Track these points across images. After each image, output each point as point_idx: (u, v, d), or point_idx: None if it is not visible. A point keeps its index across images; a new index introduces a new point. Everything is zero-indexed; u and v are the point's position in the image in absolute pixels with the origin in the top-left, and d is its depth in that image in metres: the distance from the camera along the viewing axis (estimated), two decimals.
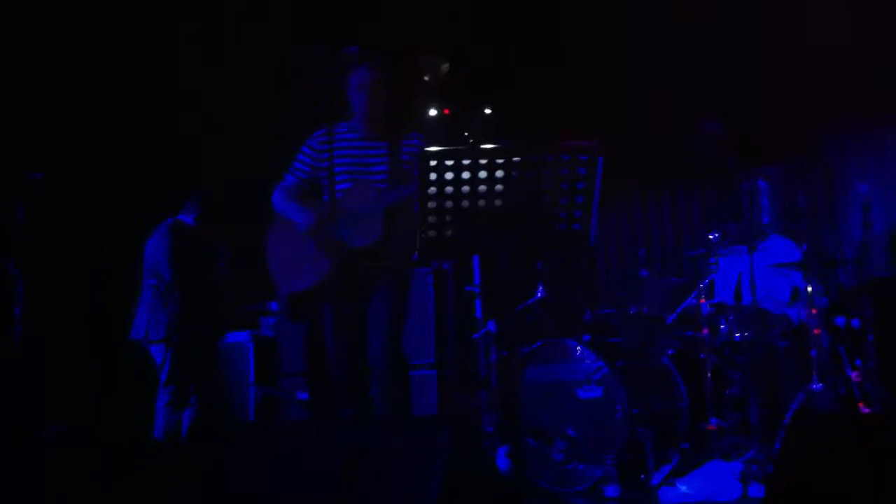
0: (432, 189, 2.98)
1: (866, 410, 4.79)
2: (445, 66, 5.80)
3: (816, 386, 4.81)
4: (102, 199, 6.93)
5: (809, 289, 4.98)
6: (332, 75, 4.14)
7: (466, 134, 4.45)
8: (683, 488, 4.60)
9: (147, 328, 5.71)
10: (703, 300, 5.08)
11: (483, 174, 2.96)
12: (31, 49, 6.60)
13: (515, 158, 2.97)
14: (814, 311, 4.92)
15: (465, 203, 2.98)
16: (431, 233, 3.04)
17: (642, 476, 4.91)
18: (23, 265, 4.87)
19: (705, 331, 5.02)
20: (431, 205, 3.00)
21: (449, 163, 2.95)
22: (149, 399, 5.72)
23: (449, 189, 2.97)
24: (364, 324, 4.16)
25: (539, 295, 5.92)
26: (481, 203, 2.99)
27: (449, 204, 2.99)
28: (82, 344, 7.14)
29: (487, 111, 3.50)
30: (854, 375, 4.95)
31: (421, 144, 4.21)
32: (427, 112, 4.51)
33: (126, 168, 6.97)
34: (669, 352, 5.45)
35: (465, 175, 2.96)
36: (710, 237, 5.26)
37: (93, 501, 3.00)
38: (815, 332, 4.88)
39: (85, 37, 6.59)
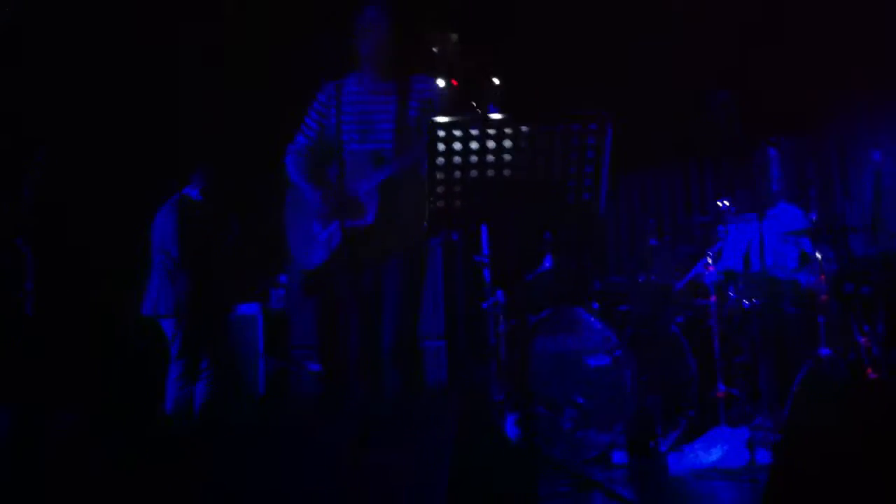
0: (440, 160, 2.97)
1: (874, 376, 4.80)
2: (454, 38, 5.76)
3: (825, 352, 4.82)
4: (110, 174, 6.94)
5: (818, 256, 4.98)
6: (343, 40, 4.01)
7: (475, 104, 4.38)
8: (691, 455, 4.63)
9: (157, 303, 5.73)
10: (711, 268, 5.09)
11: (492, 144, 2.96)
12: (31, 29, 6.58)
13: (524, 128, 2.96)
14: (822, 278, 4.92)
15: (474, 173, 2.98)
16: (440, 203, 3.03)
17: (651, 443, 4.95)
18: (32, 242, 4.89)
19: (713, 298, 5.03)
20: (440, 175, 2.99)
21: (457, 133, 2.95)
22: (160, 373, 5.75)
23: (457, 159, 2.96)
24: (378, 303, 4.04)
25: (548, 264, 5.93)
26: (490, 173, 2.98)
27: (457, 174, 2.98)
28: (94, 319, 7.18)
29: (496, 82, 3.46)
30: (863, 341, 4.96)
31: (430, 89, 4.04)
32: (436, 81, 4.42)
33: (132, 142, 6.97)
34: (678, 319, 5.46)
35: (474, 145, 2.96)
36: (719, 204, 5.26)
37: (105, 478, 3.03)
38: (824, 298, 4.88)
39: (85, 12, 6.57)
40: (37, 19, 6.44)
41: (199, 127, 7.09)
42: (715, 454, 4.55)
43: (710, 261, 5.12)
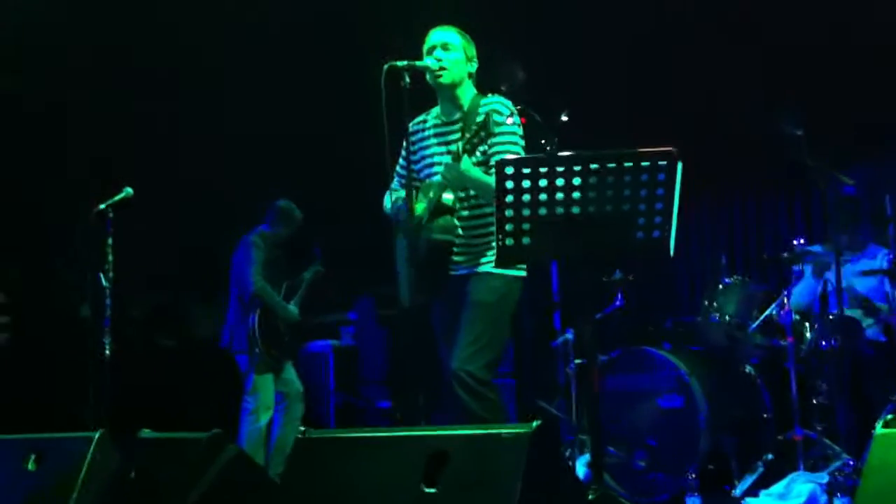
0: (509, 197, 2.97)
1: None
2: (522, 76, 5.79)
3: None
4: (191, 210, 7.10)
5: None
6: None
7: (543, 142, 4.34)
8: (768, 500, 4.52)
9: (232, 337, 5.83)
10: (787, 308, 4.98)
11: (560, 182, 2.95)
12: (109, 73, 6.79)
13: (593, 165, 2.95)
14: None
15: (543, 211, 2.98)
16: (509, 241, 3.03)
17: (726, 486, 4.84)
18: (113, 277, 5.00)
19: (790, 339, 4.92)
20: (508, 213, 2.99)
21: (526, 171, 2.95)
22: (233, 407, 5.83)
23: (526, 197, 2.97)
24: (451, 334, 3.86)
25: (618, 303, 5.88)
26: (559, 210, 2.98)
27: (526, 212, 2.98)
28: (172, 352, 7.34)
29: (565, 118, 3.42)
30: None
31: (497, 113, 3.79)
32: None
33: (212, 177, 7.12)
34: (753, 360, 5.36)
35: (543, 183, 2.96)
36: (795, 243, 5.16)
37: None
38: None
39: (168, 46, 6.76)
40: None
41: (280, 163, 7.23)
42: (793, 500, 4.43)
43: (785, 301, 5.02)
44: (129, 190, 5.15)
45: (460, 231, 3.87)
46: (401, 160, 4.12)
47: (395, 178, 4.15)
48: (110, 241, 5.00)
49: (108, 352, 4.93)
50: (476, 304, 3.83)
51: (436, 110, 4.09)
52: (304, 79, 7.01)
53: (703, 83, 6.72)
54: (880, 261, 5.34)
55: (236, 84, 6.97)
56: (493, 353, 3.84)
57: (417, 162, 4.05)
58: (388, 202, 4.10)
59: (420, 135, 4.07)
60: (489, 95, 3.96)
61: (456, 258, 3.89)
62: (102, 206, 5.06)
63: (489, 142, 3.77)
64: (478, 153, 3.79)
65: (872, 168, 6.17)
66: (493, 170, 3.68)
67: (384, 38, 4.40)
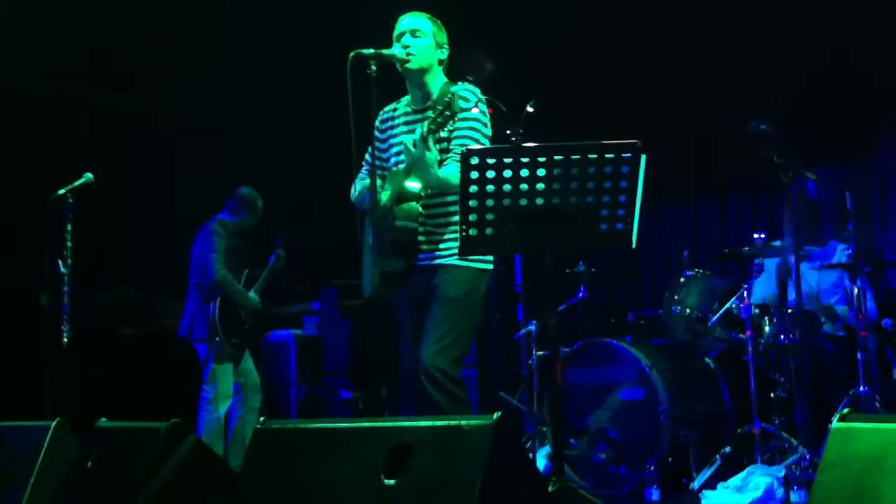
0: (473, 188, 2.96)
1: None
2: (489, 67, 5.78)
3: (863, 390, 4.74)
4: (150, 198, 7.03)
5: (856, 291, 4.90)
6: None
7: (509, 132, 4.31)
8: (726, 493, 4.55)
9: (191, 326, 5.78)
10: (747, 302, 5.02)
11: (525, 173, 2.94)
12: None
13: (558, 157, 2.94)
14: (860, 315, 4.84)
15: (507, 202, 2.97)
16: (472, 231, 3.02)
17: (685, 479, 4.87)
18: (71, 265, 4.94)
19: (749, 333, 4.96)
20: (472, 203, 2.98)
21: (491, 161, 2.94)
22: (191, 396, 5.78)
23: (490, 187, 2.96)
24: (419, 323, 3.79)
25: (581, 295, 5.90)
26: (523, 202, 2.97)
27: (490, 202, 2.97)
28: (131, 341, 7.26)
29: (530, 109, 3.41)
30: None
31: (463, 99, 3.69)
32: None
33: (172, 166, 7.06)
34: (713, 354, 5.40)
35: (507, 174, 2.95)
36: (756, 238, 5.20)
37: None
38: (862, 334, 4.80)
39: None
40: None
41: (242, 150, 7.18)
42: (749, 493, 4.47)
43: (745, 294, 5.06)
44: (90, 175, 5.08)
45: (423, 219, 3.79)
46: (369, 149, 4.03)
47: (364, 167, 4.08)
48: (69, 227, 4.93)
49: (66, 340, 4.88)
50: (444, 299, 3.75)
51: (406, 98, 4.02)
52: (271, 73, 6.97)
53: (669, 79, 6.76)
54: (839, 255, 5.40)
55: (205, 78, 6.92)
56: (462, 349, 3.80)
57: (386, 150, 4.00)
58: (354, 191, 4.04)
59: (390, 123, 4.01)
60: (459, 83, 3.87)
61: (420, 247, 3.81)
62: (62, 192, 4.99)
63: (451, 126, 3.69)
64: (442, 133, 3.70)
65: (837, 166, 6.24)
66: (450, 156, 3.70)
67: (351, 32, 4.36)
